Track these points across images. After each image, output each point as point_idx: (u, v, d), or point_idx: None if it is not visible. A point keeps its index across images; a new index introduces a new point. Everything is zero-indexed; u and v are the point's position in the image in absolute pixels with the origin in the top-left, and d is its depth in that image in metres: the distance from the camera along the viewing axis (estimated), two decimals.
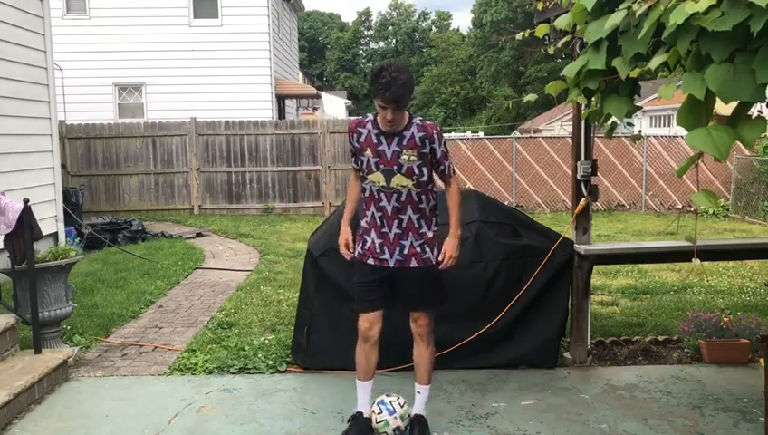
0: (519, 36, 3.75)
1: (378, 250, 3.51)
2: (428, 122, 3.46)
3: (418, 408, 3.64)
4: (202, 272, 8.19)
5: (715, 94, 2.28)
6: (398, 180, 3.41)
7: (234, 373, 4.62)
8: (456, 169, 3.71)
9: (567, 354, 4.78)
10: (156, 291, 6.97)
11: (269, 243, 10.32)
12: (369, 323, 3.55)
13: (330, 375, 4.48)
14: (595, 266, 4.94)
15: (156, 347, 5.22)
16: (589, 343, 4.86)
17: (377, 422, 3.55)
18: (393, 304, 3.62)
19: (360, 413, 3.61)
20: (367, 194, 3.54)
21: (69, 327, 5.44)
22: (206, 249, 9.82)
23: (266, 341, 5.18)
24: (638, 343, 5.07)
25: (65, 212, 8.96)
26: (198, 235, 11.27)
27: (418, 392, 3.64)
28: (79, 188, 11.44)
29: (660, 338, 5.18)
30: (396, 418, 3.54)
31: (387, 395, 3.65)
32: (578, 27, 3.03)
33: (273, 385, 4.41)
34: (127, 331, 5.68)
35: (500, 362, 4.62)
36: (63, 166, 12.01)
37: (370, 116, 3.52)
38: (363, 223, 3.58)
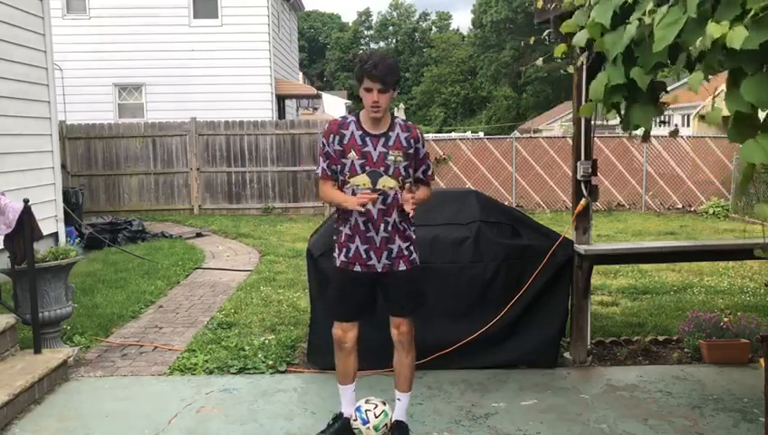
0: (539, 62, 3.75)
1: (364, 256, 3.40)
2: (409, 123, 3.49)
3: (399, 414, 3.60)
4: (202, 272, 8.19)
5: (754, 105, 2.29)
6: (385, 182, 3.33)
7: (234, 373, 4.62)
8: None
9: (567, 354, 4.78)
10: (156, 291, 6.97)
11: (269, 243, 10.32)
12: (344, 331, 3.51)
13: (330, 375, 4.45)
14: (595, 266, 4.93)
15: (156, 347, 5.22)
16: (589, 343, 4.86)
17: (353, 428, 3.58)
18: (373, 312, 3.55)
19: (342, 414, 3.65)
20: None
21: (69, 327, 5.44)
22: (206, 249, 9.82)
23: (266, 341, 5.18)
24: (638, 343, 5.06)
25: (65, 212, 8.95)
26: (198, 235, 11.27)
27: (398, 399, 3.60)
28: (79, 188, 11.44)
29: (660, 338, 5.18)
30: (369, 428, 3.51)
31: (366, 401, 3.60)
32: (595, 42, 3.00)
33: (273, 385, 4.41)
34: (127, 331, 5.68)
35: (500, 362, 4.61)
36: (63, 166, 11.99)
37: (351, 117, 3.43)
38: (345, 230, 3.43)
